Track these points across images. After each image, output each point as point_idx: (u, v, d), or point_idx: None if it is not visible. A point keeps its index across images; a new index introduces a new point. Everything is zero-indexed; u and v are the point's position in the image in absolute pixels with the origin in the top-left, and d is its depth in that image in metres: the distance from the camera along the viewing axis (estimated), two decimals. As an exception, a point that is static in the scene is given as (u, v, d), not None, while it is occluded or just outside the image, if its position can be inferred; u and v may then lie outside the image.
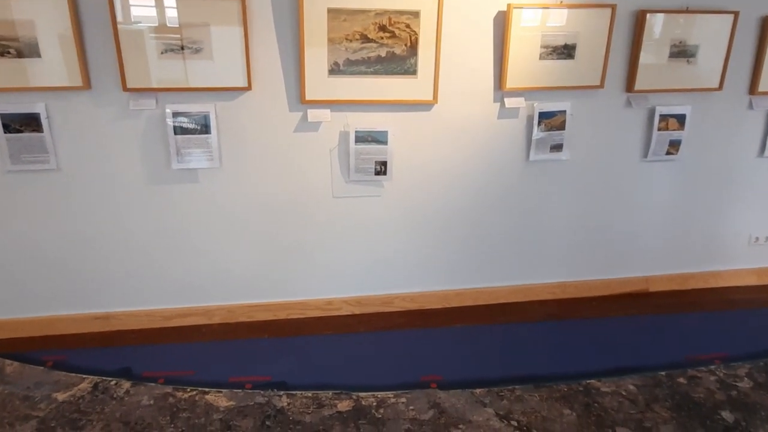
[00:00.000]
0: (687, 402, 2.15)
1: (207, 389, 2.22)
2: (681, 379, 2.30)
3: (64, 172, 2.41)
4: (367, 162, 2.59)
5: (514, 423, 2.03)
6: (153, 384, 2.25)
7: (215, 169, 2.49)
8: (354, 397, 2.18)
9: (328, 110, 2.49)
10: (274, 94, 2.45)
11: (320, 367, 2.39)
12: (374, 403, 2.14)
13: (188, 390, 2.21)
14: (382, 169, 2.61)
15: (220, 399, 2.17)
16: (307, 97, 2.44)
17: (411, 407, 2.12)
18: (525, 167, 2.77)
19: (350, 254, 2.77)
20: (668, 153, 2.82)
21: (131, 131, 2.39)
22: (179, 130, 2.36)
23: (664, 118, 2.75)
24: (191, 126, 2.37)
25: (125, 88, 2.28)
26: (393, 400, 2.17)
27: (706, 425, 2.02)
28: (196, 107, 2.36)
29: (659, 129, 2.77)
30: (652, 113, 2.76)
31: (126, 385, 2.24)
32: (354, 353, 2.50)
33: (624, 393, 2.21)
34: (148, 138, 2.40)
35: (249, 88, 2.37)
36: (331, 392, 2.21)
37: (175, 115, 2.34)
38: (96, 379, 2.27)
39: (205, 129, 2.38)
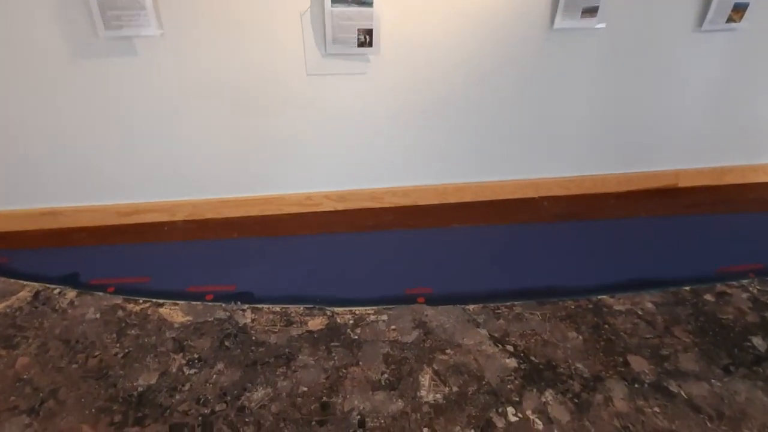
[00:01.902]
0: (713, 325, 1.86)
1: (162, 301, 1.96)
2: (708, 296, 1.99)
3: (-33, 41, 1.95)
4: (348, 30, 2.07)
5: (510, 348, 1.76)
6: (101, 294, 1.98)
7: (156, 38, 2.00)
8: (328, 313, 1.91)
9: (295, -42, 1.94)
10: (223, -65, 1.89)
11: (293, 275, 2.09)
12: (351, 321, 1.87)
13: (140, 302, 1.95)
14: (366, 39, 2.10)
15: (176, 313, 1.90)
16: (267, -60, 1.88)
17: (393, 326, 1.85)
18: (546, 37, 2.23)
19: (332, 142, 2.36)
20: (729, 20, 2.25)
21: (42, -14, 1.87)
22: (101, -15, 1.84)
23: (731, -29, 2.15)
24: (116, -21, 1.84)
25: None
26: (373, 317, 1.89)
27: (734, 354, 1.73)
28: (120, -47, 1.82)
29: (723, -13, 2.18)
30: (716, -35, 2.16)
31: (71, 294, 1.98)
32: (333, 258, 2.19)
33: (640, 312, 1.91)
34: (63, -4, 1.89)
35: (188, -75, 1.81)
36: (302, 307, 1.94)
37: (93, -37, 1.80)
38: (38, 286, 2.01)
39: (135, -16, 1.86)
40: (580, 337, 1.80)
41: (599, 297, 1.98)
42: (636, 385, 1.61)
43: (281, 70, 2.14)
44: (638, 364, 1.70)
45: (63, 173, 2.26)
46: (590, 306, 1.94)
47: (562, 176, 2.60)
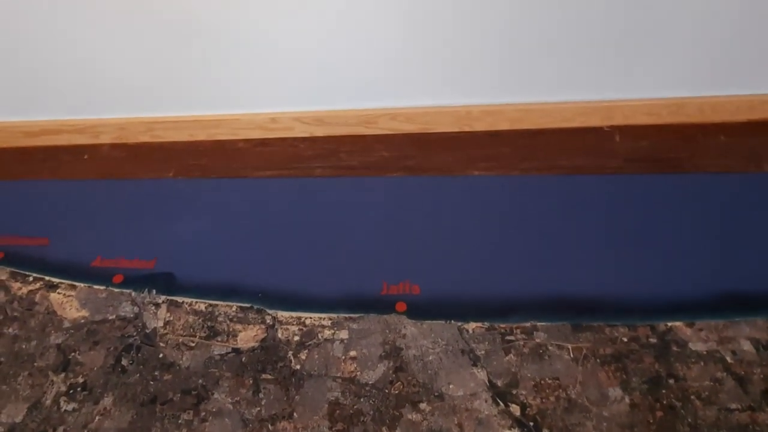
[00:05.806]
0: None
1: (56, 280, 1.47)
2: None
3: None
4: None
5: (515, 409, 1.19)
6: (-17, 264, 1.52)
7: None
8: (268, 320, 1.37)
9: None
10: None
11: (234, 247, 1.52)
12: (296, 338, 1.33)
13: (30, 279, 1.48)
14: None
15: (71, 303, 1.42)
16: None
17: (352, 352, 1.30)
18: None
19: (306, 42, 1.59)
20: None
21: None
22: None
23: None
24: None
25: None
26: (327, 333, 1.34)
27: None
28: None
29: None
30: None
31: (-56, 264, 1.53)
32: (292, 221, 1.57)
33: (731, 359, 1.25)
34: None
35: None
36: (235, 306, 1.40)
37: None
38: None
39: None
40: (627, 399, 1.19)
41: (670, 323, 1.31)
42: (699, 506, 1.04)
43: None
44: (710, 462, 1.11)
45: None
46: (653, 340, 1.29)
47: (649, 97, 1.71)
